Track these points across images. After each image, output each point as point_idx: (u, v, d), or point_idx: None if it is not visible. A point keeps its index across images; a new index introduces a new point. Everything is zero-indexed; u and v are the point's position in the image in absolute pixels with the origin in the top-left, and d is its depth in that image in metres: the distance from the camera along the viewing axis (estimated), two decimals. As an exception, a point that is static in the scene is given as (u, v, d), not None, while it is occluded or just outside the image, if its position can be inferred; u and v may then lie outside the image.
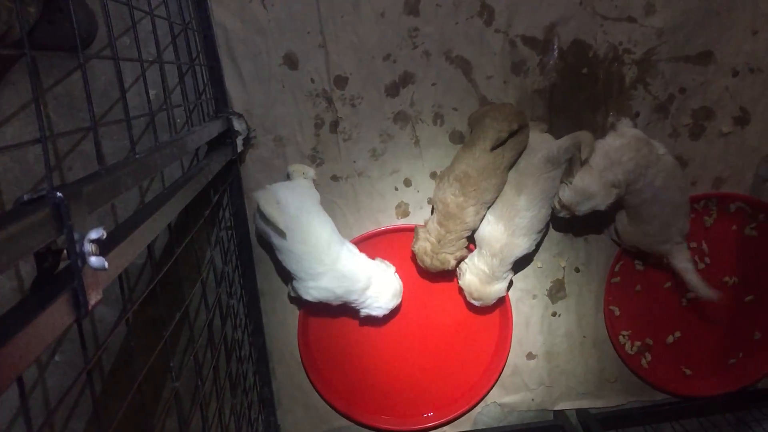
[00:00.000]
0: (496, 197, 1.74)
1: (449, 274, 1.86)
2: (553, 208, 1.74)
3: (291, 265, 1.67)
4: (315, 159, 1.85)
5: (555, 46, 1.83)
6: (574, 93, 1.86)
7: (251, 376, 1.79)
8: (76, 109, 1.65)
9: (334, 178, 1.87)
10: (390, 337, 1.92)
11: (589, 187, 1.66)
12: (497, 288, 1.81)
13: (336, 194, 1.88)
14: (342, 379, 1.94)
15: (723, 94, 1.88)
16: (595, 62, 1.84)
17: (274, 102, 1.80)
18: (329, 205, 1.87)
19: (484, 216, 1.76)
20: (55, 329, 0.55)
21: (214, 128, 1.52)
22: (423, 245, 1.77)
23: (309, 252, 1.65)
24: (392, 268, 1.81)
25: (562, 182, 1.70)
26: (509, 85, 1.83)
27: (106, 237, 0.64)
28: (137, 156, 0.86)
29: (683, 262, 1.80)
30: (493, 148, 1.66)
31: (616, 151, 1.67)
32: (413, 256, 1.83)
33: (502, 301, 1.89)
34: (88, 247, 0.60)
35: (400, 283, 1.82)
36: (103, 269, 0.61)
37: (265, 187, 1.67)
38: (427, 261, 1.77)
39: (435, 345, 1.94)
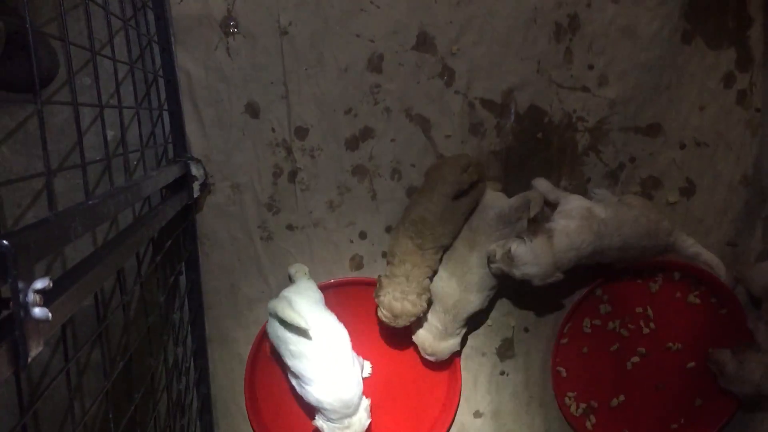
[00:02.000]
0: (451, 242, 1.76)
1: (401, 330, 1.86)
2: (489, 257, 1.72)
3: (302, 370, 1.67)
4: (272, 207, 1.85)
5: (512, 111, 1.88)
6: (529, 156, 1.91)
7: (193, 427, 1.74)
8: (31, 146, 1.63)
9: (290, 227, 1.87)
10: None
11: (542, 258, 1.67)
12: (450, 343, 1.81)
13: (291, 243, 1.87)
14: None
15: (670, 165, 1.95)
16: (550, 128, 1.90)
17: (234, 149, 1.81)
18: (284, 255, 1.87)
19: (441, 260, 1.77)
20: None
21: (172, 173, 1.51)
22: (389, 290, 1.72)
23: (327, 364, 1.67)
24: (367, 401, 1.78)
25: (519, 236, 1.70)
26: (467, 145, 1.87)
27: (52, 286, 0.63)
28: (90, 202, 0.85)
29: (690, 247, 1.82)
30: (455, 198, 1.69)
31: (576, 234, 1.70)
32: (368, 309, 1.83)
33: (451, 359, 1.89)
34: (32, 297, 0.59)
35: (369, 420, 1.79)
36: (47, 320, 0.60)
37: (279, 296, 1.71)
38: (397, 307, 1.71)
39: (383, 401, 1.92)
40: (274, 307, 1.65)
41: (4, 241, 0.57)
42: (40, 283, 0.60)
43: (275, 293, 1.85)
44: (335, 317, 1.74)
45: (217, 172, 1.81)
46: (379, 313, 1.76)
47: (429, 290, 1.75)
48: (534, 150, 1.91)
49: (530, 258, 1.66)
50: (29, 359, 0.58)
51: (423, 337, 1.81)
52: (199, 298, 1.81)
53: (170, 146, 1.73)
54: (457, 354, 1.88)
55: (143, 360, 1.27)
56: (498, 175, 1.91)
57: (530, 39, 1.85)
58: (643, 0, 1.86)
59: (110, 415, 0.94)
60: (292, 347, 1.65)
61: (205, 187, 1.77)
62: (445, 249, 1.77)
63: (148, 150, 1.64)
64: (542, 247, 1.65)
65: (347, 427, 1.73)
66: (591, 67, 1.88)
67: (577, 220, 1.71)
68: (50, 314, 0.60)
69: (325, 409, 1.71)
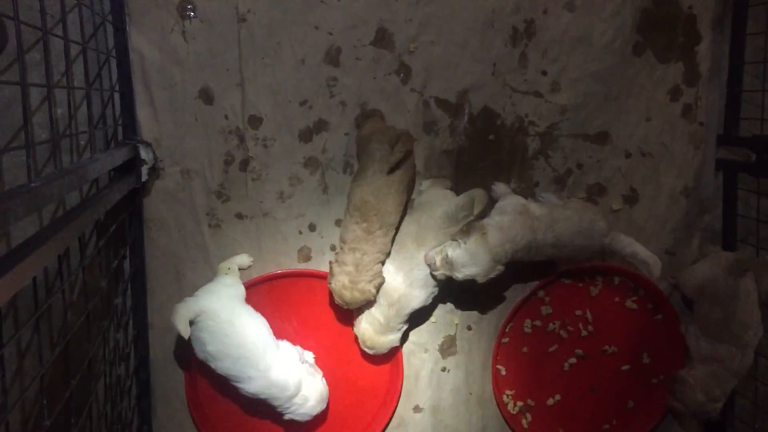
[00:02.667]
0: (400, 218, 1.78)
1: (345, 319, 1.87)
2: (430, 266, 1.75)
3: (225, 370, 1.69)
4: (221, 195, 1.84)
5: (466, 111, 1.90)
6: (480, 157, 1.94)
7: (129, 411, 1.72)
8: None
9: (239, 216, 1.86)
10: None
11: (479, 256, 1.70)
12: (390, 338, 1.83)
13: (239, 232, 1.86)
14: (226, 424, 1.89)
15: (616, 173, 2.00)
16: (502, 130, 1.93)
17: (185, 134, 1.79)
18: (232, 244, 1.86)
19: (393, 240, 1.78)
20: None
21: (120, 156, 1.49)
22: (340, 279, 1.74)
23: (245, 356, 1.68)
24: (320, 373, 1.82)
25: (454, 239, 1.73)
26: (419, 143, 1.89)
27: (-14, 271, 0.62)
28: (32, 184, 0.83)
29: (626, 246, 1.84)
30: (389, 173, 1.70)
31: (509, 228, 1.73)
32: (312, 301, 1.84)
33: (394, 353, 1.91)
34: (-36, 282, 0.58)
35: (327, 388, 1.82)
36: (-22, 306, 0.59)
37: (184, 300, 1.69)
38: (347, 295, 1.73)
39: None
40: (174, 312, 1.65)
41: (-62, 224, 0.56)
42: (-26, 267, 0.59)
43: (221, 281, 1.85)
44: (250, 309, 1.76)
45: (167, 156, 1.79)
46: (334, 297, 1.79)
47: (381, 274, 1.77)
48: (485, 151, 1.94)
49: (467, 259, 1.68)
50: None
51: (364, 329, 1.82)
52: (142, 284, 1.78)
53: (120, 128, 1.70)
54: (397, 349, 1.90)
55: (83, 345, 1.25)
56: (449, 175, 1.93)
57: (487, 42, 1.88)
58: (597, 10, 1.90)
59: (44, 401, 0.93)
60: (209, 348, 1.66)
61: (154, 171, 1.75)
62: (396, 227, 1.78)
63: (98, 132, 1.61)
64: (477, 245, 1.68)
65: (303, 404, 1.76)
66: (544, 73, 1.92)
67: (511, 215, 1.76)
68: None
69: (269, 400, 1.71)
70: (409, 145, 1.76)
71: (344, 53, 1.82)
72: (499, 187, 1.89)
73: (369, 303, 1.80)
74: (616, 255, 1.89)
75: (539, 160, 1.97)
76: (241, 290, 1.77)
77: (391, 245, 1.79)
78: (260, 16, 1.77)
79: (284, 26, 1.78)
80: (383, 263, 1.79)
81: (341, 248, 1.77)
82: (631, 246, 1.84)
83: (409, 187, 1.82)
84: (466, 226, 1.72)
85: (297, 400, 1.75)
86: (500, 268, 1.72)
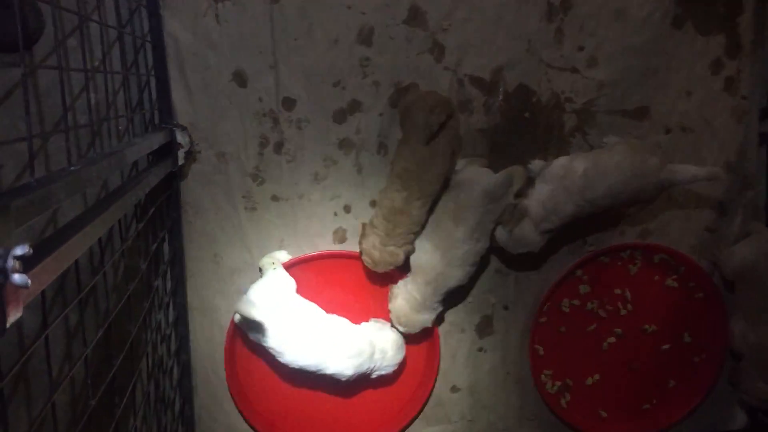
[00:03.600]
0: (440, 188, 1.77)
1: (381, 300, 1.87)
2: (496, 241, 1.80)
3: (299, 361, 1.73)
4: (257, 178, 1.85)
5: (501, 89, 1.88)
6: (516, 135, 1.91)
7: (171, 391, 1.75)
8: (15, 105, 1.60)
9: (275, 198, 1.87)
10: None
11: (527, 237, 1.75)
12: (425, 317, 1.83)
13: (275, 215, 1.87)
14: (266, 403, 1.92)
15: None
16: (537, 107, 1.90)
17: (220, 117, 1.80)
18: (267, 226, 1.87)
19: (430, 210, 1.79)
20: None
21: (156, 140, 1.50)
22: (371, 239, 1.77)
23: (312, 344, 1.73)
24: (387, 324, 1.86)
25: (500, 224, 1.76)
26: (453, 119, 1.87)
27: (33, 252, 0.63)
28: (71, 168, 0.85)
29: (685, 173, 1.76)
30: (427, 142, 1.69)
31: (549, 200, 1.73)
32: (348, 282, 1.85)
33: (430, 333, 1.91)
34: (12, 263, 0.59)
35: (400, 335, 1.86)
36: (26, 287, 0.60)
37: (241, 298, 1.71)
38: (376, 255, 1.76)
39: (362, 395, 1.95)
40: (237, 310, 1.70)
41: (-16, 207, 0.57)
42: (20, 250, 0.60)
43: (257, 263, 1.86)
44: (312, 305, 1.80)
45: (202, 140, 1.80)
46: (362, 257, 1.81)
47: (412, 243, 1.79)
48: (521, 129, 1.91)
49: (515, 243, 1.75)
50: (7, 325, 0.58)
51: (400, 306, 1.82)
52: (181, 267, 1.80)
53: (156, 113, 1.71)
54: (433, 329, 1.90)
55: (125, 327, 1.27)
56: (484, 153, 1.91)
57: (522, 17, 1.85)
58: (635, -18, 1.86)
59: (89, 381, 0.95)
60: (271, 343, 1.71)
61: (190, 154, 1.76)
62: (434, 200, 1.78)
63: (136, 116, 1.63)
64: (521, 228, 1.70)
65: (384, 356, 1.82)
66: (581, 49, 1.88)
67: (550, 184, 1.76)
68: (29, 281, 0.60)
69: (355, 371, 1.78)
70: (448, 109, 1.74)
71: (377, 33, 1.81)
72: (537, 165, 1.87)
73: (397, 274, 1.83)
74: (677, 186, 1.84)
75: (576, 137, 1.93)
76: (293, 284, 1.80)
77: (427, 218, 1.79)
78: (292, -4, 1.76)
79: (316, 7, 1.77)
80: (416, 234, 1.79)
81: (376, 213, 1.78)
82: (688, 172, 1.76)
83: (452, 157, 1.81)
84: (510, 212, 1.74)
85: (377, 356, 1.80)
86: (550, 235, 1.80)
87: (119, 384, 1.11)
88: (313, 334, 1.73)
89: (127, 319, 1.22)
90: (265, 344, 1.71)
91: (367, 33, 1.80)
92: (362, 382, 1.88)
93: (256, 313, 1.64)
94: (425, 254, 1.79)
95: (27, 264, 0.62)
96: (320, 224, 1.90)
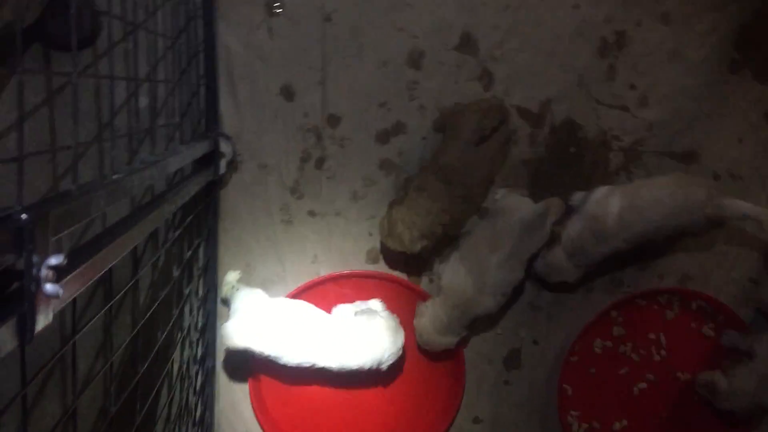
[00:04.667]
0: (484, 192, 1.78)
1: (411, 323, 1.85)
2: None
3: (297, 359, 1.71)
4: (295, 192, 1.85)
5: (548, 121, 1.86)
6: (560, 169, 1.89)
7: (194, 397, 1.76)
8: (63, 106, 1.63)
9: (311, 213, 1.87)
10: (339, 379, 1.90)
11: (560, 265, 1.73)
12: (448, 340, 1.81)
13: (310, 230, 1.88)
14: (286, 417, 1.91)
15: (702, 195, 1.91)
16: (584, 143, 1.88)
17: (265, 129, 1.81)
18: (302, 240, 1.87)
19: (467, 218, 1.81)
20: (-3, 351, 0.55)
21: (201, 148, 1.52)
22: (398, 217, 1.73)
23: (302, 337, 1.70)
24: (383, 313, 1.79)
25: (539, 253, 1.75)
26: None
27: (67, 262, 0.63)
28: (114, 177, 0.85)
29: (728, 209, 1.67)
30: (479, 143, 1.68)
31: (578, 239, 1.71)
32: (387, 302, 1.84)
33: (457, 361, 1.89)
34: (45, 272, 0.59)
35: (393, 317, 1.79)
36: (57, 297, 0.60)
37: (223, 326, 1.70)
38: (398, 229, 1.72)
39: (383, 395, 1.92)
40: (226, 340, 1.69)
41: (24, 215, 0.57)
42: (54, 260, 0.60)
43: (291, 276, 1.87)
44: (278, 301, 1.77)
45: (245, 150, 1.82)
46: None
47: (431, 238, 1.75)
48: (565, 163, 1.88)
49: (550, 270, 1.74)
50: (35, 333, 0.59)
51: (424, 325, 1.80)
52: (213, 274, 1.82)
53: (203, 121, 1.74)
54: (460, 358, 1.88)
55: (153, 332, 1.28)
56: (526, 185, 1.89)
57: (574, 51, 1.83)
58: (693, 24, 1.82)
59: (111, 388, 0.95)
60: (268, 354, 1.70)
61: (232, 164, 1.78)
62: (477, 206, 1.80)
63: (185, 123, 1.65)
64: (554, 256, 1.70)
65: (382, 346, 1.74)
66: (633, 87, 1.85)
67: (582, 222, 1.73)
68: (61, 290, 0.60)
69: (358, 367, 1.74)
70: (501, 114, 1.75)
71: (427, 57, 1.81)
72: (578, 196, 1.83)
73: (423, 305, 1.81)
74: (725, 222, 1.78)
75: (620, 176, 1.90)
76: (260, 293, 1.78)
77: (463, 221, 1.80)
78: (345, 16, 1.77)
79: (369, 27, 1.78)
80: (444, 227, 1.77)
81: (409, 194, 1.76)
82: (738, 208, 1.68)
83: (498, 164, 1.82)
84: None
85: (375, 349, 1.74)
86: (584, 268, 1.78)
87: (142, 390, 1.11)
88: (301, 328, 1.71)
89: (155, 324, 1.22)
90: (264, 355, 1.70)
91: (417, 56, 1.80)
92: (385, 405, 1.86)
93: (238, 340, 1.65)
94: (457, 277, 1.77)
95: (60, 273, 0.62)
96: (354, 243, 1.90)
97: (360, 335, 1.73)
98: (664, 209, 1.67)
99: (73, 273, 0.66)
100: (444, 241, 1.83)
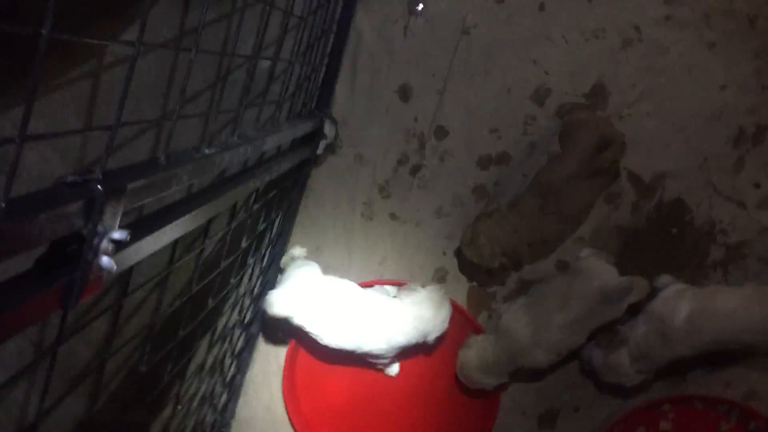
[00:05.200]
0: (578, 220, 1.74)
1: (454, 352, 1.81)
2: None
3: (338, 341, 1.68)
4: (383, 190, 1.84)
5: (657, 195, 1.77)
6: (655, 246, 1.80)
7: (230, 359, 1.78)
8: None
9: (393, 216, 1.85)
10: (374, 379, 1.88)
11: (622, 368, 1.67)
12: (488, 381, 1.76)
13: (386, 231, 1.86)
14: (311, 402, 1.91)
15: (797, 317, 1.79)
16: (688, 227, 1.78)
17: (372, 122, 1.80)
18: (376, 239, 1.86)
19: (555, 242, 1.77)
20: (40, 313, 0.55)
21: (304, 128, 1.51)
22: (486, 228, 1.71)
23: (347, 321, 1.67)
24: (422, 288, 1.77)
25: (598, 345, 1.71)
26: (595, 209, 1.78)
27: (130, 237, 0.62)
28: (207, 152, 0.85)
29: None
30: (591, 174, 1.65)
31: (643, 342, 1.62)
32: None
33: (491, 402, 1.85)
34: (106, 245, 0.59)
35: (437, 288, 1.76)
36: (111, 270, 0.60)
37: (269, 293, 1.69)
38: (481, 241, 1.70)
39: (410, 410, 1.89)
40: (268, 309, 1.68)
41: (99, 186, 0.57)
42: (118, 234, 0.59)
43: (355, 270, 1.86)
44: (332, 280, 1.74)
45: (347, 137, 1.81)
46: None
47: (512, 257, 1.74)
48: (662, 242, 1.79)
49: (607, 370, 1.68)
50: (78, 303, 0.58)
51: (469, 358, 1.76)
52: (282, 247, 1.83)
53: (316, 98, 1.74)
54: (495, 400, 1.83)
55: (204, 298, 1.29)
56: (614, 251, 1.81)
57: (707, 133, 1.73)
58: (844, 140, 1.69)
59: (146, 348, 0.96)
60: (310, 330, 1.67)
61: (331, 146, 1.77)
62: (568, 233, 1.76)
63: (298, 97, 1.64)
64: (617, 358, 1.61)
65: (430, 319, 1.71)
66: (757, 186, 1.74)
67: (648, 323, 1.65)
68: (115, 267, 0.60)
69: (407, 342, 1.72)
70: (620, 154, 1.69)
71: (552, 96, 1.75)
72: (665, 279, 1.74)
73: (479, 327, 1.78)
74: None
75: (716, 272, 1.79)
76: (315, 267, 1.76)
77: (551, 245, 1.77)
78: (484, 33, 1.73)
79: (504, 51, 1.73)
80: (530, 247, 1.74)
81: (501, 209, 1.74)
82: None
83: (598, 195, 1.77)
84: (612, 334, 1.63)
85: (419, 324, 1.71)
86: (643, 376, 1.68)
87: (178, 352, 1.12)
88: (348, 311, 1.68)
89: (209, 289, 1.23)
90: (306, 330, 1.69)
91: (543, 93, 1.74)
92: (409, 410, 1.84)
93: (279, 309, 1.64)
94: (517, 323, 1.72)
95: (119, 246, 0.62)
96: (425, 257, 1.87)
97: (404, 309, 1.71)
98: (738, 323, 1.58)
99: (130, 247, 0.65)
100: (523, 262, 1.80)
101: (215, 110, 0.95)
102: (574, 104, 1.76)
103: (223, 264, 1.17)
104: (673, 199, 1.77)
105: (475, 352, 1.77)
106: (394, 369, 1.85)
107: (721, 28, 1.69)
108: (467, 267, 1.84)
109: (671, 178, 1.76)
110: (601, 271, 1.70)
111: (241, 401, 1.95)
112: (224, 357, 1.68)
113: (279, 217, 1.75)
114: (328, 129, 1.71)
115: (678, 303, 1.62)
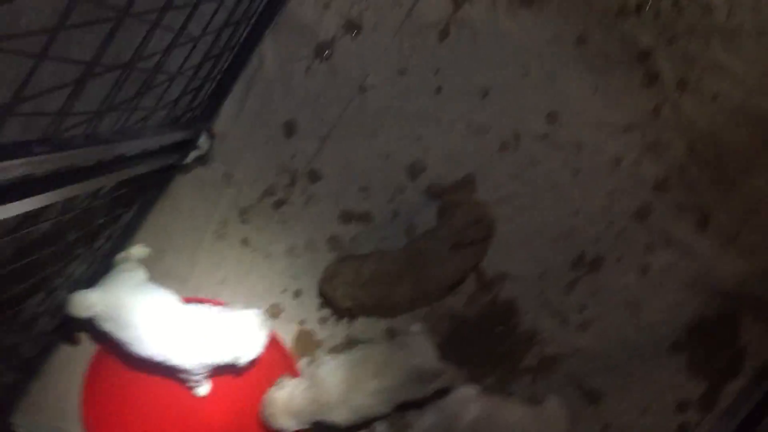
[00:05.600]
0: (435, 295, 1.81)
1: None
2: None
3: (149, 351, 1.65)
4: (243, 215, 1.84)
5: (494, 292, 1.86)
6: (478, 339, 1.88)
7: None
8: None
9: (245, 242, 1.85)
10: (176, 394, 1.84)
11: None
12: (288, 424, 1.77)
13: (232, 256, 1.85)
14: (105, 410, 1.84)
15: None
16: (512, 330, 1.88)
17: (251, 147, 1.81)
18: (219, 260, 1.85)
19: (404, 308, 1.81)
20: None
21: (175, 136, 1.50)
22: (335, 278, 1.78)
23: (163, 332, 1.65)
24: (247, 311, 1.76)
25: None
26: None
27: None
28: (35, 149, 0.82)
29: None
30: (454, 247, 1.72)
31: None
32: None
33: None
34: None
35: (256, 312, 1.75)
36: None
37: (75, 293, 1.62)
38: (328, 291, 1.79)
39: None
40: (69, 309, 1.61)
41: None
42: None
43: (193, 283, 1.85)
44: (154, 289, 1.71)
45: (222, 153, 1.80)
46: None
47: (360, 308, 1.80)
48: (485, 338, 1.88)
49: None
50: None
51: (278, 397, 1.75)
52: (123, 244, 1.78)
53: (200, 108, 1.72)
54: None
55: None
56: (443, 335, 1.88)
57: (552, 249, 1.85)
58: (663, 291, 1.85)
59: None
60: (120, 337, 1.64)
61: (200, 160, 1.76)
62: (420, 304, 1.82)
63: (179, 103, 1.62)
64: None
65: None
66: (582, 309, 1.87)
67: (434, 417, 1.74)
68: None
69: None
70: (489, 231, 1.76)
71: (426, 173, 1.82)
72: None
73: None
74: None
75: (525, 378, 1.90)
76: (140, 275, 1.72)
77: (399, 309, 1.82)
78: (380, 97, 1.78)
79: (393, 119, 1.79)
80: (378, 305, 1.80)
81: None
82: None
83: (463, 275, 1.83)
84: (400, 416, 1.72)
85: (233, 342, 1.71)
86: None
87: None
88: (161, 323, 1.65)
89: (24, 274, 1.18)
90: (114, 336, 1.65)
91: (418, 169, 1.81)
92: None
93: (79, 310, 1.59)
94: (333, 377, 1.75)
95: None
96: (266, 290, 1.87)
97: (220, 326, 1.70)
98: None
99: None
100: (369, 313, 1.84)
101: (69, 106, 0.92)
102: (447, 187, 1.84)
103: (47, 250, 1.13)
104: (506, 300, 1.87)
105: (285, 394, 1.77)
106: (203, 389, 1.83)
107: (588, 160, 1.82)
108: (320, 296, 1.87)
109: (510, 280, 1.86)
110: (424, 351, 1.76)
111: (38, 384, 1.86)
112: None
113: (127, 214, 1.71)
114: (203, 142, 1.70)
115: (468, 406, 1.70)
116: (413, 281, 1.74)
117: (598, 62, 1.80)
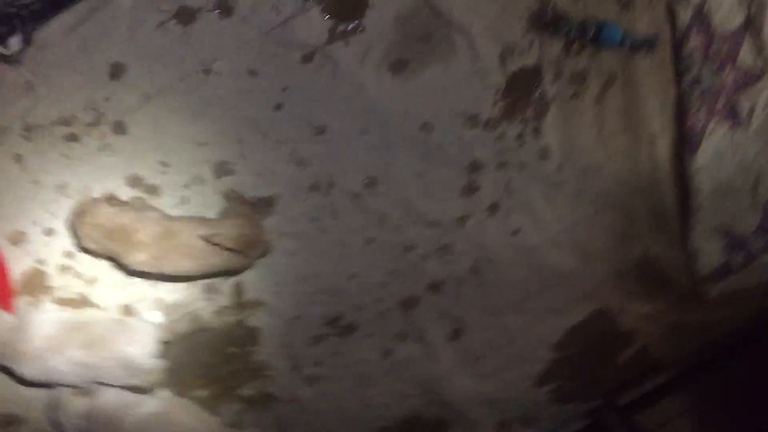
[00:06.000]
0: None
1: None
2: None
3: None
4: (26, 131, 1.66)
5: (244, 313, 1.85)
6: (210, 349, 1.87)
7: None
8: None
9: (17, 158, 1.67)
10: None
11: None
12: None
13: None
14: None
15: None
16: (245, 355, 1.88)
17: (67, 70, 1.64)
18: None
19: None
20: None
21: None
22: None
23: None
24: None
25: None
26: (192, 294, 1.83)
27: None
28: None
29: None
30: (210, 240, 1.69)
31: None
32: None
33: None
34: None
35: None
36: None
37: None
38: None
39: None
40: None
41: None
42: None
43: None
44: None
45: (34, 62, 1.60)
46: None
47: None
48: (217, 351, 1.88)
49: None
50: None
51: None
52: None
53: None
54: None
55: None
56: (177, 333, 1.83)
57: (318, 298, 1.88)
58: (396, 377, 1.92)
59: None
60: None
61: (3, 58, 1.59)
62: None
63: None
64: None
65: None
66: (318, 364, 1.91)
67: None
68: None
69: None
70: (246, 248, 1.72)
71: (232, 177, 1.77)
72: None
73: None
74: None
75: (236, 405, 1.90)
76: None
77: None
78: (219, 85, 1.70)
79: (222, 111, 1.73)
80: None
81: None
82: None
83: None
84: None
85: None
86: None
87: None
88: None
89: None
90: None
91: (226, 170, 1.77)
92: None
93: None
94: (41, 330, 1.67)
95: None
96: (16, 214, 1.72)
97: None
98: None
99: None
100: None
101: None
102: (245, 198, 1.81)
103: None
104: (253, 327, 1.87)
105: None
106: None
107: (384, 234, 1.86)
108: None
109: (265, 310, 1.86)
110: (144, 344, 1.71)
111: None
112: None
113: None
114: (15, 42, 1.55)
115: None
116: (156, 249, 1.68)
117: (434, 153, 1.83)
